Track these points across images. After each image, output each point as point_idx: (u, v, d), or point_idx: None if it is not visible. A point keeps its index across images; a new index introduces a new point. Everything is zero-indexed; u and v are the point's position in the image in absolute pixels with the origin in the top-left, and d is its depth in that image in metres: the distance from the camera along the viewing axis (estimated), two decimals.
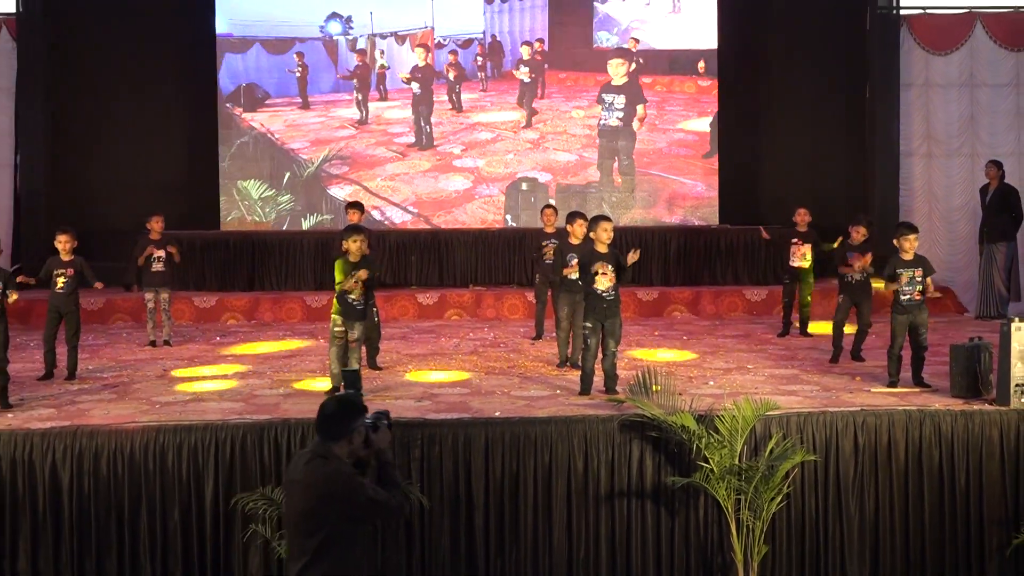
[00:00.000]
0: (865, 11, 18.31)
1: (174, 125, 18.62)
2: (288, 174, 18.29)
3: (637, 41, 18.22)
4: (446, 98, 18.39)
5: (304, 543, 5.85)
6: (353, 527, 5.94)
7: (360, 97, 18.32)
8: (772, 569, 9.49)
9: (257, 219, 18.26)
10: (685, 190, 18.27)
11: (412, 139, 18.35)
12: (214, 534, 9.35)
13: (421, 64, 18.26)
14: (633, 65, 18.13)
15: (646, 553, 9.50)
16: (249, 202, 18.23)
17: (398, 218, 18.02)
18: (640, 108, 18.13)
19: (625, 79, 18.10)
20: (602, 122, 18.22)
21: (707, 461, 9.13)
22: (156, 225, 14.05)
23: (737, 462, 9.13)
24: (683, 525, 9.51)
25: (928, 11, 18.44)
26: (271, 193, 18.26)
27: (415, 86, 18.28)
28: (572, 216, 12.72)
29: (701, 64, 18.18)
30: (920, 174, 18.32)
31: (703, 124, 18.32)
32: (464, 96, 18.38)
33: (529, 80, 18.26)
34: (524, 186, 18.18)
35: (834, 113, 18.72)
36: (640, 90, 18.15)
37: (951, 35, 18.30)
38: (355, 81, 18.34)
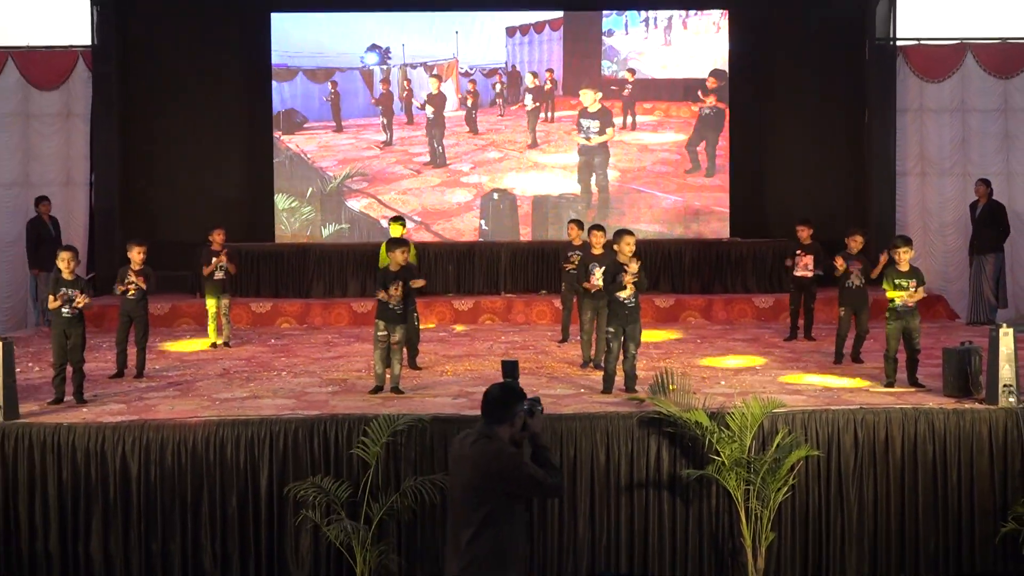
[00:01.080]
0: (864, 42, 18.27)
1: (233, 147, 18.73)
2: (311, 188, 18.44)
3: (633, 72, 18.33)
4: (465, 122, 18.54)
5: (471, 515, 5.88)
6: (513, 503, 5.97)
7: (385, 121, 18.49)
8: (778, 554, 9.44)
9: (283, 228, 18.44)
10: (655, 201, 18.33)
11: (428, 158, 18.46)
12: (268, 519, 9.37)
13: (434, 92, 18.41)
14: (600, 93, 18.32)
15: (663, 539, 9.47)
16: (275, 212, 18.37)
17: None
18: (609, 131, 18.35)
19: (598, 106, 18.35)
20: (580, 143, 18.38)
21: (719, 454, 9.11)
22: (218, 237, 14.12)
23: (746, 456, 9.10)
24: (697, 513, 9.47)
25: (923, 42, 18.37)
26: (295, 205, 18.40)
27: (429, 111, 18.43)
28: (592, 228, 12.81)
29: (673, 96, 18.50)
30: (915, 192, 18.23)
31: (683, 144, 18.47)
32: (483, 120, 18.48)
33: (533, 106, 18.36)
34: (495, 196, 18.38)
35: (836, 135, 18.65)
36: (609, 115, 18.37)
37: (944, 64, 18.22)
38: (380, 107, 18.47)
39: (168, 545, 9.34)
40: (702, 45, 18.32)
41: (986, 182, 16.46)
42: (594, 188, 18.34)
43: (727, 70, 18.30)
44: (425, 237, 17.97)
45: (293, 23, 18.36)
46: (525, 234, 18.24)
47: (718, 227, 18.29)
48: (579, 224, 14.26)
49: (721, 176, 18.37)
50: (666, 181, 18.26)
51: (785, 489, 9.16)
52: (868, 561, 9.57)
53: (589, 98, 18.25)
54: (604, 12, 18.38)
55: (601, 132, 18.30)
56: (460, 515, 5.98)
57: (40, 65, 18.19)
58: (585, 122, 18.33)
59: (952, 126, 18.19)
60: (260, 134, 18.49)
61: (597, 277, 12.08)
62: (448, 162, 18.45)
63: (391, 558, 9.17)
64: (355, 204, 18.36)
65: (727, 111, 18.33)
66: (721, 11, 18.32)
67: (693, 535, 9.48)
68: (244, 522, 9.36)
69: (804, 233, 14.00)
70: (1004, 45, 18.23)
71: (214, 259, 13.92)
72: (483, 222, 18.30)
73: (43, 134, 18.18)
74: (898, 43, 18.16)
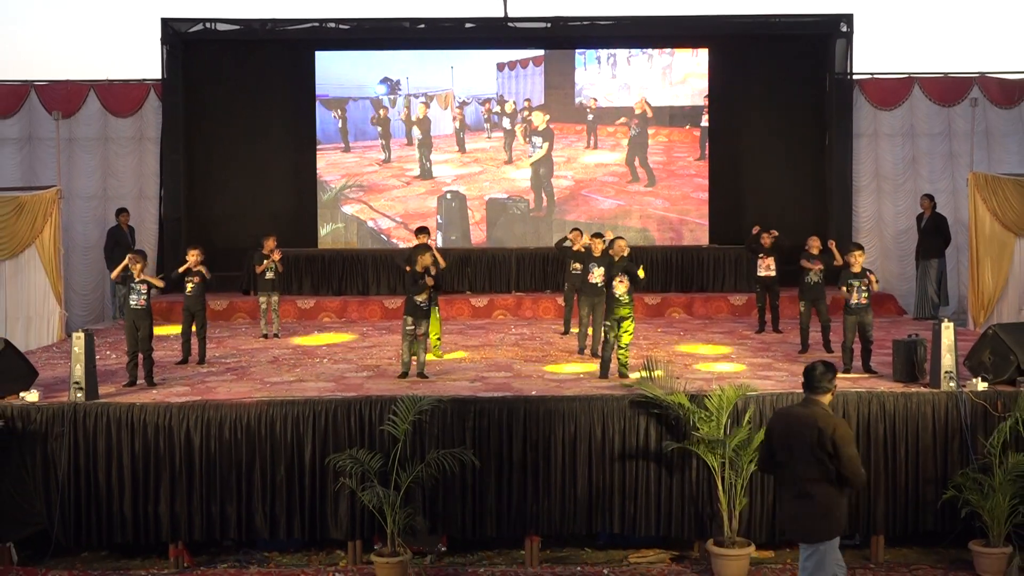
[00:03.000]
0: (825, 76, 18.21)
1: (282, 165, 18.70)
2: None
3: (596, 100, 18.44)
4: (456, 142, 18.59)
5: (814, 468, 6.11)
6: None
7: (384, 142, 18.57)
8: (749, 517, 9.44)
9: None
10: (596, 204, 18.40)
11: (418, 172, 18.56)
12: (312, 486, 9.42)
13: (421, 116, 18.53)
14: (548, 115, 18.44)
15: (649, 503, 9.48)
16: (317, 221, 18.49)
17: (385, 225, 18.31)
18: (545, 145, 18.49)
19: (544, 126, 18.50)
20: (531, 157, 18.51)
21: (698, 431, 9.12)
22: (270, 243, 14.17)
23: (722, 432, 9.10)
24: (679, 481, 9.48)
25: (876, 76, 18.32)
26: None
27: (417, 132, 18.53)
28: (593, 236, 12.80)
29: (622, 119, 18.49)
30: (870, 205, 18.16)
31: (624, 159, 18.55)
32: (472, 141, 18.58)
33: (511, 128, 18.51)
34: (448, 195, 18.48)
35: (801, 156, 18.56)
36: (552, 133, 18.50)
37: (894, 95, 18.16)
38: (379, 128, 18.54)
39: (225, 507, 9.40)
40: (643, 78, 18.46)
41: (930, 197, 16.42)
42: (543, 194, 18.50)
43: (704, 101, 18.31)
44: (403, 234, 18.02)
45: (318, 60, 18.42)
46: (482, 230, 18.35)
47: (699, 235, 18.28)
48: (580, 231, 14.27)
49: (682, 187, 18.37)
50: (608, 189, 18.43)
51: (755, 462, 9.15)
52: None
53: (538, 119, 18.49)
54: (576, 51, 18.48)
55: (540, 147, 18.50)
56: (803, 466, 6.18)
57: (117, 96, 18.25)
58: (534, 139, 18.54)
59: (903, 148, 18.12)
60: (305, 154, 18.51)
61: (596, 276, 12.11)
62: (435, 176, 18.53)
63: (416, 519, 9.22)
64: (349, 209, 18.46)
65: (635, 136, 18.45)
66: (649, 50, 18.47)
67: (676, 500, 9.48)
68: (291, 488, 9.41)
69: (767, 239, 13.96)
70: (946, 78, 18.17)
71: (265, 261, 13.99)
72: (439, 217, 18.40)
73: (119, 155, 18.23)
74: (854, 76, 18.09)
